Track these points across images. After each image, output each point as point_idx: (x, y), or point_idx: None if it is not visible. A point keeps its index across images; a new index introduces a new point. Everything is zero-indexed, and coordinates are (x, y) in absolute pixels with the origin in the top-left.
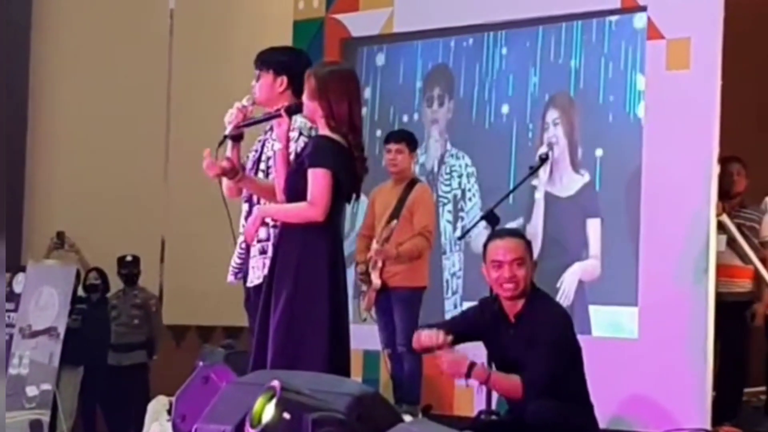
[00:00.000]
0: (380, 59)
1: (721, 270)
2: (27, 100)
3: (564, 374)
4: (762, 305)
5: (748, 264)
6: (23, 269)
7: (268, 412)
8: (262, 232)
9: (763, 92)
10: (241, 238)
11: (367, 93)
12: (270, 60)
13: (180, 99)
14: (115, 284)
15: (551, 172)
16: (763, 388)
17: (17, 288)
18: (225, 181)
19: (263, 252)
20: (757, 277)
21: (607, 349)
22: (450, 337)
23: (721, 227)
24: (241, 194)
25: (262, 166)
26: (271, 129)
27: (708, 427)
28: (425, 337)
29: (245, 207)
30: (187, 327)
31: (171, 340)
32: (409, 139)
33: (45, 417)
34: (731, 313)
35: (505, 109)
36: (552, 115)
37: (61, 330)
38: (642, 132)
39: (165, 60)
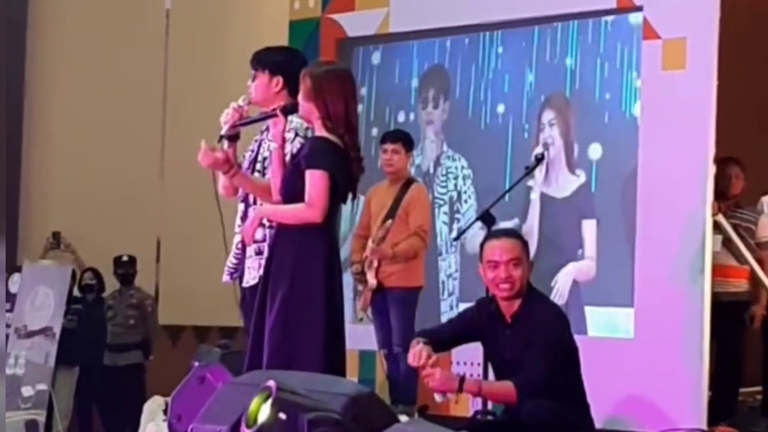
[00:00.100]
0: (376, 58)
1: (717, 270)
2: (23, 99)
3: (560, 374)
4: (759, 307)
5: (744, 264)
6: (19, 269)
7: (264, 413)
8: (258, 233)
9: (759, 92)
10: (237, 238)
11: (363, 92)
12: (266, 60)
13: (176, 99)
14: (111, 284)
15: (547, 172)
16: (759, 388)
17: (13, 288)
18: (221, 179)
19: (259, 252)
20: (753, 277)
21: (603, 349)
22: (434, 357)
23: (717, 227)
24: (237, 194)
25: (258, 166)
26: (267, 129)
27: (704, 427)
28: (410, 357)
29: (241, 207)
30: (182, 327)
31: (167, 340)
32: (405, 140)
33: (41, 417)
34: (727, 312)
35: (500, 108)
36: (548, 115)
37: (57, 330)
38: (638, 132)
39: (161, 60)
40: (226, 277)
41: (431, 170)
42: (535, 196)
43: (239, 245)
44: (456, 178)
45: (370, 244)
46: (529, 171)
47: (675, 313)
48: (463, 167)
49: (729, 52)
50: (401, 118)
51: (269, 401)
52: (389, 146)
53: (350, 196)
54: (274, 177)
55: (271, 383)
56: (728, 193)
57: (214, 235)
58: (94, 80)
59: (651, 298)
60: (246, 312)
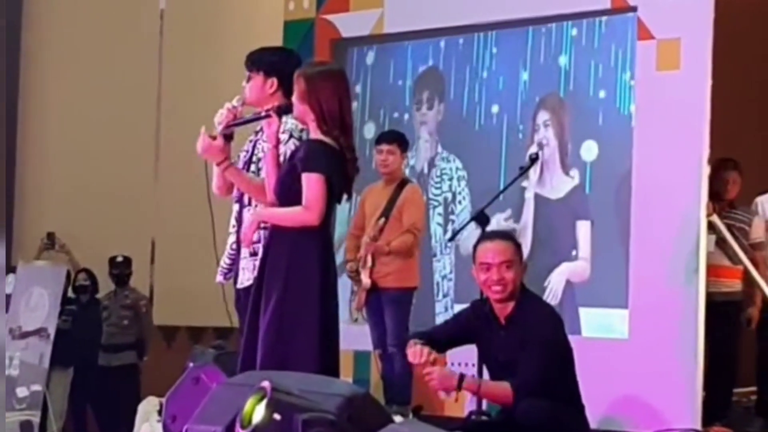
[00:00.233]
0: (370, 59)
1: (710, 270)
2: (17, 100)
3: (555, 375)
4: (755, 309)
5: (737, 264)
6: (13, 270)
7: (259, 413)
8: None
9: (753, 92)
10: (231, 239)
11: (357, 89)
12: (260, 61)
13: (170, 99)
14: (106, 285)
15: (541, 173)
16: (753, 389)
17: (7, 289)
18: (215, 177)
19: (254, 254)
20: (746, 278)
21: (598, 349)
22: (434, 355)
23: (711, 227)
24: (230, 193)
25: (253, 167)
26: (262, 130)
27: (698, 427)
28: (410, 354)
29: (236, 207)
30: (177, 328)
31: (161, 341)
32: (400, 140)
33: (35, 418)
34: (720, 312)
35: (495, 109)
36: (543, 116)
37: (52, 331)
38: (632, 133)
39: (155, 60)
40: (219, 277)
41: (425, 171)
42: (529, 195)
43: (233, 246)
44: (451, 179)
45: (365, 239)
46: (524, 171)
47: (669, 313)
48: (457, 168)
49: (723, 52)
50: (395, 118)
51: (264, 402)
52: (384, 147)
53: (345, 197)
54: (268, 177)
55: (266, 384)
56: (724, 197)
57: (209, 236)
58: (89, 81)
59: (645, 298)
60: (241, 313)
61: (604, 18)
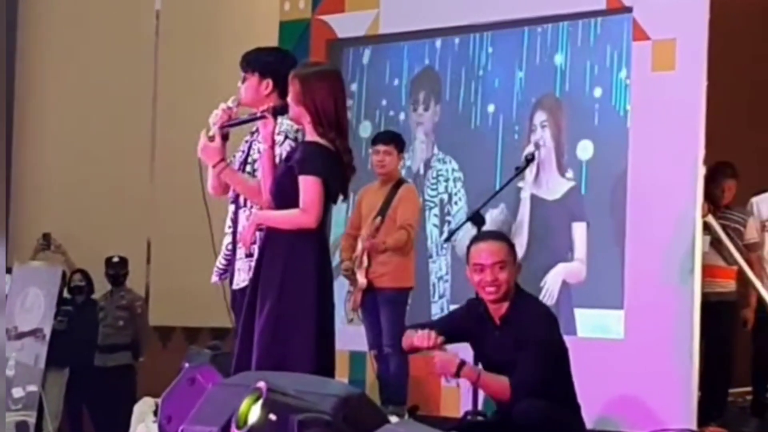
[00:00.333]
0: (366, 59)
1: (705, 270)
2: (13, 100)
3: (551, 375)
4: (749, 310)
5: (732, 264)
6: (9, 271)
7: (254, 414)
8: None
9: (748, 93)
10: (227, 239)
11: (353, 87)
12: (256, 61)
13: (166, 100)
14: (102, 285)
15: (537, 174)
16: (748, 389)
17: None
18: (210, 177)
19: (249, 255)
20: (741, 278)
21: (593, 349)
22: (442, 338)
23: (706, 228)
24: (225, 193)
25: (249, 168)
26: (258, 131)
27: (694, 427)
28: (418, 338)
29: (231, 208)
30: (173, 328)
31: (157, 342)
32: (397, 141)
33: (31, 419)
34: (714, 312)
35: (491, 108)
36: (540, 117)
37: (47, 331)
38: (627, 133)
39: (151, 61)
40: (215, 278)
41: (421, 172)
42: (525, 195)
43: (229, 246)
44: (447, 180)
45: (362, 234)
46: (520, 171)
47: (665, 313)
48: (453, 170)
49: (718, 52)
50: (392, 117)
51: (259, 402)
52: (381, 147)
53: (341, 197)
54: (264, 178)
55: (262, 384)
56: (719, 203)
57: (205, 237)
58: (85, 81)
59: (641, 298)
60: (237, 313)
61: (599, 18)
